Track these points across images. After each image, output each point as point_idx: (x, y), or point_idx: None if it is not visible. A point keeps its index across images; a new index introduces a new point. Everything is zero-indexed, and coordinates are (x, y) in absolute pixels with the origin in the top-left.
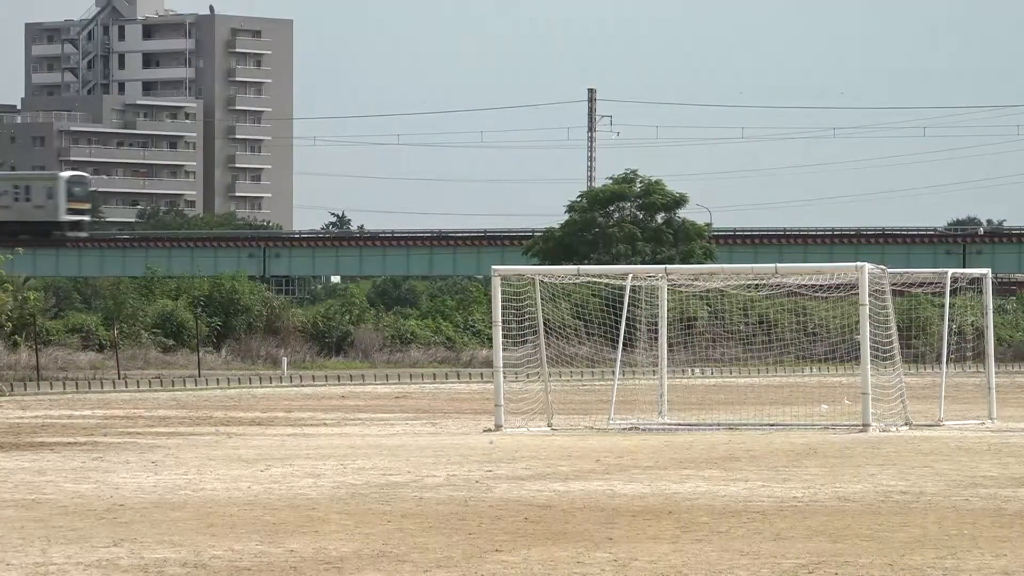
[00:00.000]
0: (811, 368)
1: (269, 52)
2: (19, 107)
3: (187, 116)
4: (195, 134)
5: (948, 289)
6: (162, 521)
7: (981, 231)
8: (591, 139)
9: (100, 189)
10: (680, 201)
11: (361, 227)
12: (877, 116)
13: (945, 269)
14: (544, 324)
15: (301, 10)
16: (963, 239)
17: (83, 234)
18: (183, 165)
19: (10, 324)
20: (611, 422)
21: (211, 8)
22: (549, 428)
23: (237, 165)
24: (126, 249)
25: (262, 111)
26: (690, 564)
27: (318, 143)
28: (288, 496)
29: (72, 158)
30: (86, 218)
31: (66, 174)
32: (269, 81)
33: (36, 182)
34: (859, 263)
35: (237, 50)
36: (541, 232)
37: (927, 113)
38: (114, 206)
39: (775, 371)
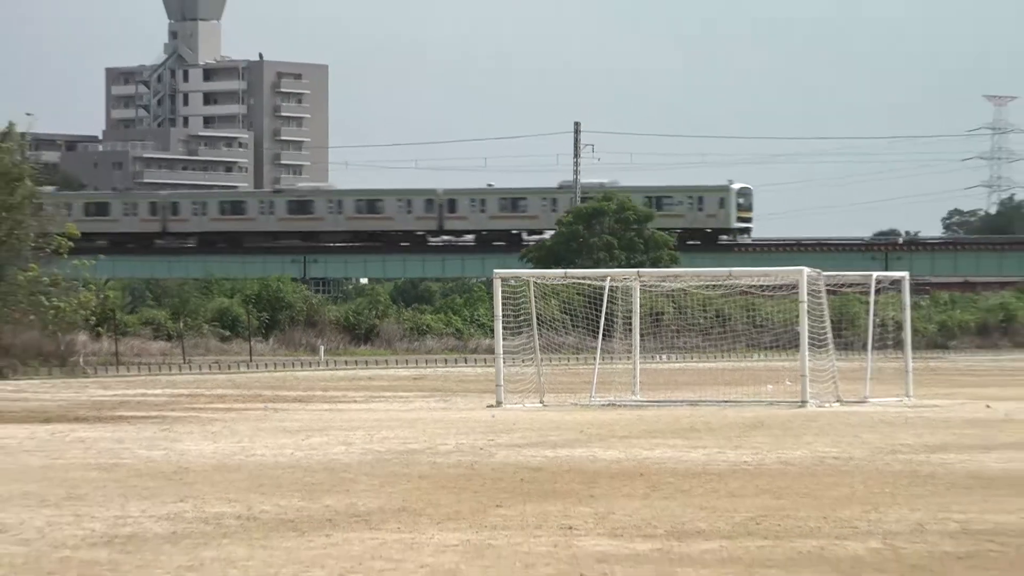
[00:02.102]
0: (758, 354)
1: (308, 92)
2: (101, 138)
3: (240, 145)
4: (247, 160)
5: (873, 289)
6: (220, 481)
7: (901, 241)
8: (576, 164)
9: None
10: (648, 216)
11: None
12: (813, 144)
13: (870, 272)
14: (537, 318)
15: (335, 56)
16: (886, 247)
17: (747, 240)
18: (237, 186)
19: (94, 318)
20: (592, 399)
21: (260, 55)
22: (541, 404)
23: (282, 186)
24: (190, 255)
25: (303, 141)
26: (658, 517)
27: (350, 167)
28: (324, 461)
29: (145, 180)
30: (750, 225)
31: (737, 185)
32: (308, 116)
33: (709, 193)
34: (799, 267)
35: (282, 90)
36: (535, 242)
37: (857, 143)
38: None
39: (729, 357)
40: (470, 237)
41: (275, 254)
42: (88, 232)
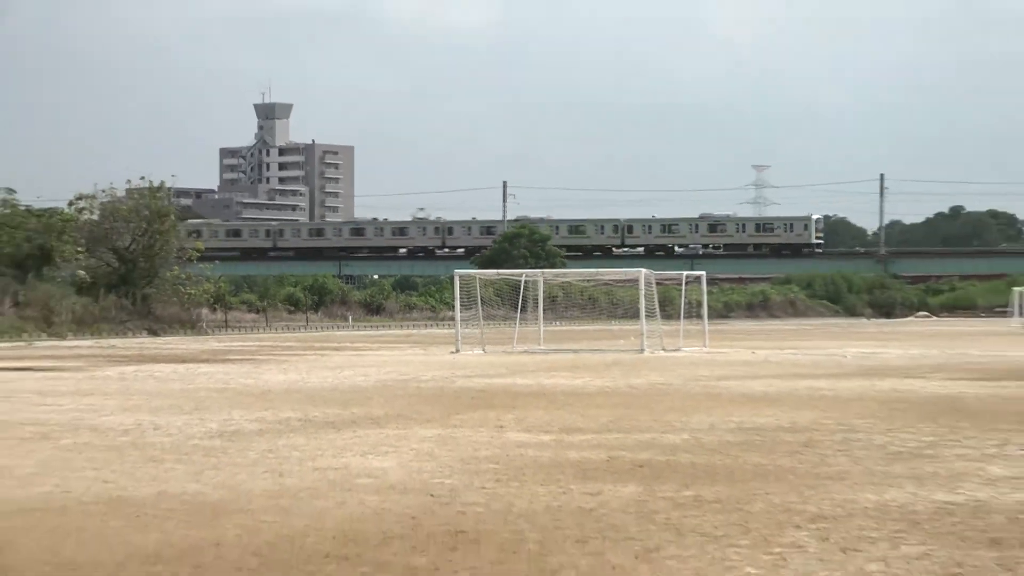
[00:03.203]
0: (615, 322)
1: (341, 162)
2: (216, 190)
3: (300, 195)
4: (305, 205)
5: (684, 281)
6: (288, 399)
7: (700, 252)
8: (505, 208)
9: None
10: (547, 238)
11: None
12: (637, 195)
13: (682, 272)
14: (480, 298)
15: (359, 141)
16: (692, 257)
17: (819, 251)
18: (298, 220)
19: (212, 299)
20: (514, 348)
21: (312, 141)
22: (483, 352)
23: (326, 220)
24: (269, 260)
25: (338, 192)
26: (554, 420)
27: (368, 211)
28: (351, 386)
29: (243, 215)
30: (821, 242)
31: (816, 215)
32: (341, 177)
33: (797, 221)
34: (639, 269)
35: (326, 161)
36: (480, 253)
37: (670, 193)
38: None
39: (596, 323)
40: (640, 250)
41: (322, 259)
42: (393, 246)
